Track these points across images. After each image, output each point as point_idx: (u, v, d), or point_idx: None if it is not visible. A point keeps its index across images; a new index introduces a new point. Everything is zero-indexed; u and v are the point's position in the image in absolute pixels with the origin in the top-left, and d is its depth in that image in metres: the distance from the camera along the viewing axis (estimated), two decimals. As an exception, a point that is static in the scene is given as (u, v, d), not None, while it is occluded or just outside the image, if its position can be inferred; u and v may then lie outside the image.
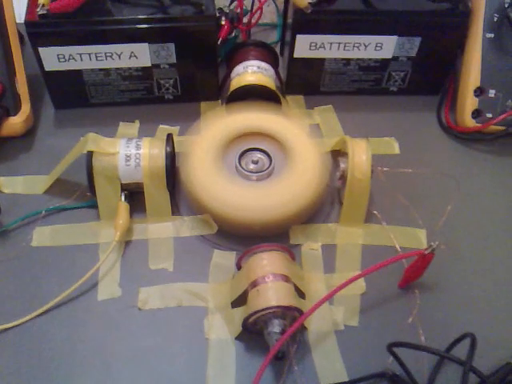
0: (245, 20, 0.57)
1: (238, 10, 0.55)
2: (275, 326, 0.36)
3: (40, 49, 0.47)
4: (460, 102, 0.53)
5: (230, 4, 0.57)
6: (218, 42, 0.53)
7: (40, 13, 0.45)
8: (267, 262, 0.39)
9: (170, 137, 0.46)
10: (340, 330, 0.40)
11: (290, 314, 0.37)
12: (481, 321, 0.41)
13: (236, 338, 0.39)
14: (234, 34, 0.57)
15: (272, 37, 0.62)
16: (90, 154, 0.43)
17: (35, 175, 0.48)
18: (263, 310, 0.36)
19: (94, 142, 0.43)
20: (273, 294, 0.37)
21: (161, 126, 0.53)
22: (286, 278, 0.38)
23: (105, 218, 0.45)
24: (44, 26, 0.46)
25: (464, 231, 0.46)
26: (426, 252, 0.38)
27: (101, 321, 0.40)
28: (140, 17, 0.47)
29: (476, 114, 0.52)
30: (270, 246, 0.40)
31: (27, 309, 0.40)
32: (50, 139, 0.52)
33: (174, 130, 0.52)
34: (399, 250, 0.44)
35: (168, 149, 0.44)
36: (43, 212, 0.45)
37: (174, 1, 0.49)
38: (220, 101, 0.55)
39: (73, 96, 0.53)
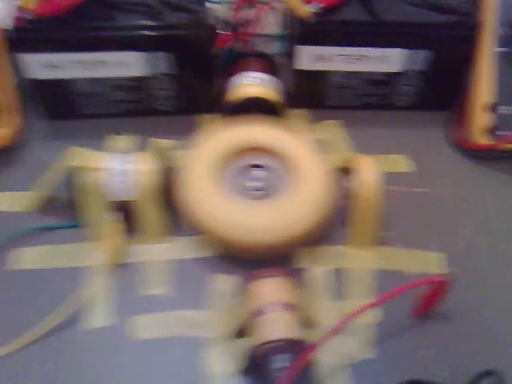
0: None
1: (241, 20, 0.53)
2: (278, 362, 0.33)
3: (25, 56, 0.44)
4: (472, 119, 0.51)
5: (230, 13, 0.55)
6: (218, 52, 0.51)
7: (24, 18, 0.42)
8: (271, 289, 0.36)
9: (163, 151, 0.43)
10: (352, 363, 0.37)
11: (297, 347, 0.34)
12: (506, 355, 0.38)
13: (237, 373, 0.36)
14: (234, 44, 0.54)
15: (275, 48, 0.60)
16: (74, 169, 0.40)
17: (22, 191, 0.45)
18: (265, 343, 0.33)
19: (78, 156, 0.41)
20: (276, 326, 0.34)
21: (155, 139, 0.50)
22: (292, 307, 0.35)
23: (95, 238, 0.42)
24: (28, 32, 0.43)
25: (484, 256, 0.44)
26: (444, 279, 0.35)
27: (88, 352, 0.37)
28: (132, 24, 0.44)
29: (489, 131, 0.49)
30: (275, 272, 0.37)
31: (6, 339, 0.37)
32: (39, 153, 0.49)
33: (170, 143, 0.49)
34: (413, 275, 0.41)
35: (161, 164, 0.41)
36: (27, 231, 0.42)
37: (168, 8, 0.46)
38: (219, 113, 0.52)
39: (62, 107, 0.50)
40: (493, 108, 0.49)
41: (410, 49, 0.49)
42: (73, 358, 0.36)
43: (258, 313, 0.35)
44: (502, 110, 0.49)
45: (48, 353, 0.37)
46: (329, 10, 0.47)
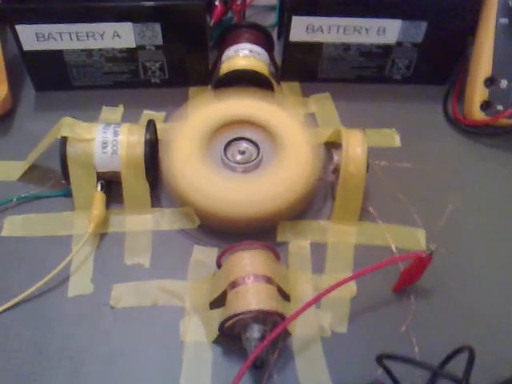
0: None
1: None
2: (254, 332, 0.33)
3: (17, 26, 0.44)
4: (468, 93, 0.49)
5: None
6: (211, 24, 0.50)
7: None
8: (248, 262, 0.36)
9: (151, 123, 0.43)
10: (327, 336, 0.37)
11: (271, 319, 0.34)
12: (481, 332, 0.37)
13: (213, 342, 0.36)
14: (228, 16, 0.53)
15: (270, 19, 0.59)
16: (64, 139, 0.40)
17: (11, 160, 0.46)
18: (242, 313, 0.33)
19: (68, 126, 0.41)
20: (253, 297, 0.34)
21: (146, 111, 0.50)
22: (269, 280, 0.35)
23: (80, 208, 0.42)
24: (19, 3, 0.43)
25: (466, 233, 0.43)
26: (424, 255, 0.35)
27: (70, 318, 0.37)
28: (124, -6, 0.44)
29: (485, 105, 0.48)
30: (253, 244, 0.37)
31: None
32: (29, 123, 0.49)
33: (160, 116, 0.49)
34: (395, 251, 0.41)
35: (148, 136, 0.41)
36: (14, 200, 0.43)
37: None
38: (210, 86, 0.52)
39: (54, 78, 0.50)
40: (491, 82, 0.48)
41: (408, 20, 0.47)
42: (54, 323, 0.37)
43: (236, 284, 0.35)
44: (502, 84, 0.48)
45: (31, 318, 0.37)
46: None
